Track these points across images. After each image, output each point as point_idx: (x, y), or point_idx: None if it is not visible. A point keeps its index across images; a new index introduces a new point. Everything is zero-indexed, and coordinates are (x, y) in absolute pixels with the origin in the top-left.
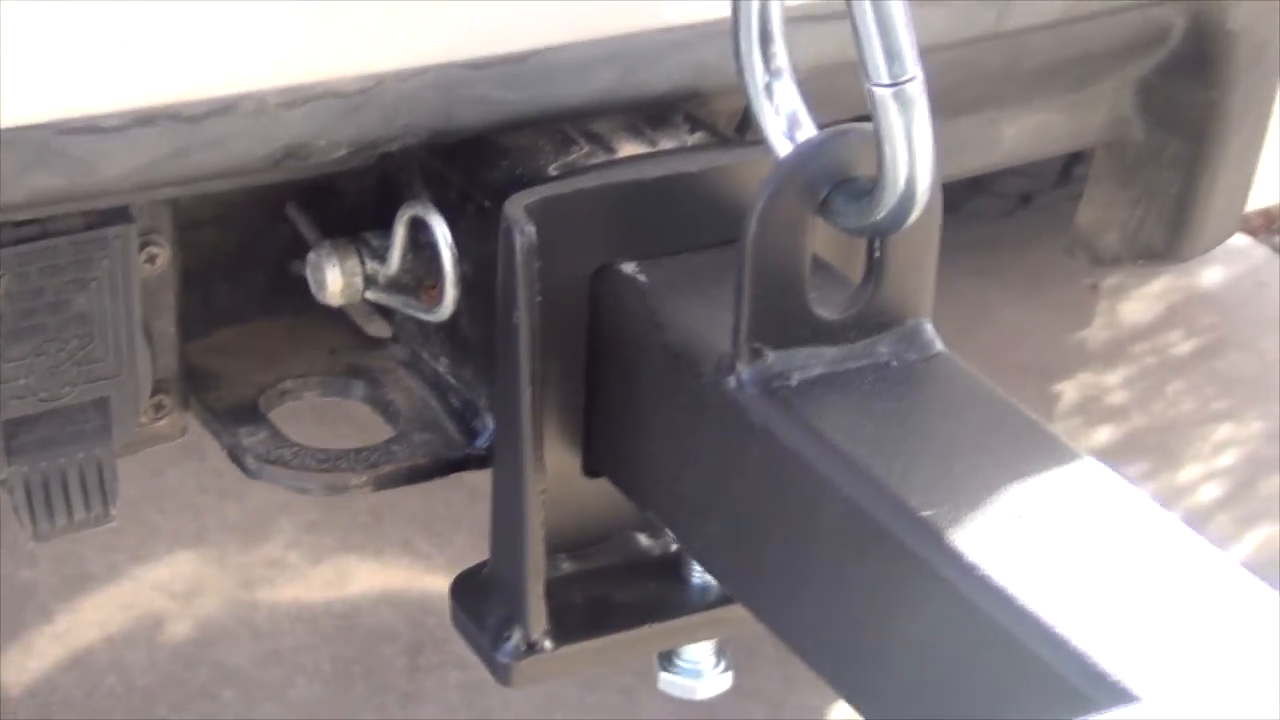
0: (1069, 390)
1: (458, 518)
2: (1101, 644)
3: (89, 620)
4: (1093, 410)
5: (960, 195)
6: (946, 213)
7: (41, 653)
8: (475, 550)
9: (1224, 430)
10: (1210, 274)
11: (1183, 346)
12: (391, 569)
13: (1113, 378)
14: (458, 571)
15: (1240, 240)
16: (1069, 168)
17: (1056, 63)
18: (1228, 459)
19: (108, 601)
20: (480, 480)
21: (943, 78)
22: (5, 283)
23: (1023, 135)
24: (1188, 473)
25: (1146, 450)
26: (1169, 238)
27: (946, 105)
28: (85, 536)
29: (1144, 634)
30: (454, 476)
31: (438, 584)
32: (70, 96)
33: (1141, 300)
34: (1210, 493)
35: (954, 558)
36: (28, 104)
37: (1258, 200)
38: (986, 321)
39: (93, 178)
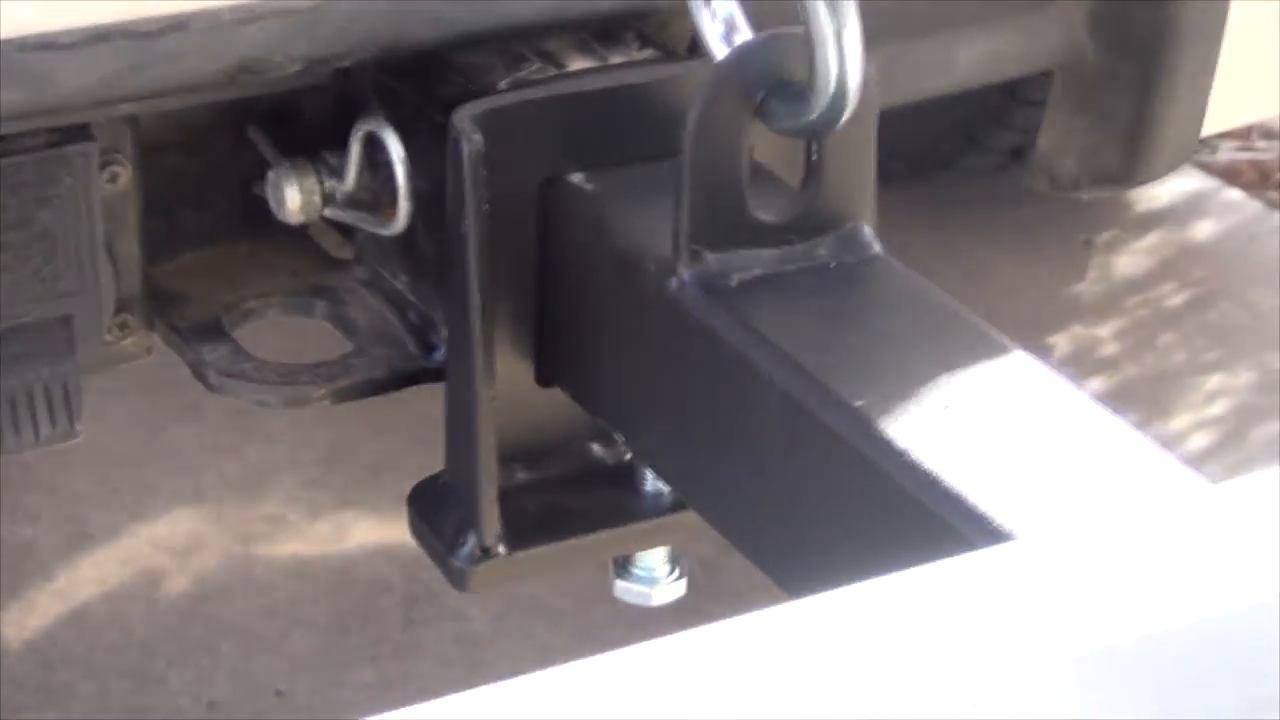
0: (1062, 342)
1: None
2: (992, 498)
3: (88, 577)
4: (1086, 361)
5: (952, 151)
6: (940, 169)
7: (42, 610)
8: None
9: (1215, 380)
10: (1203, 227)
11: (1174, 299)
12: (388, 524)
13: (1105, 330)
14: None
15: (1232, 194)
16: None
17: None
18: (1218, 408)
19: (107, 559)
20: None
21: None
22: None
23: (977, 58)
24: (1179, 422)
25: (1138, 400)
26: (1125, 162)
27: (900, 26)
28: (85, 494)
29: (1038, 492)
30: None
31: None
32: (27, 14)
33: (1134, 254)
34: (1201, 441)
35: (881, 443)
36: None
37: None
38: (981, 277)
39: (51, 93)
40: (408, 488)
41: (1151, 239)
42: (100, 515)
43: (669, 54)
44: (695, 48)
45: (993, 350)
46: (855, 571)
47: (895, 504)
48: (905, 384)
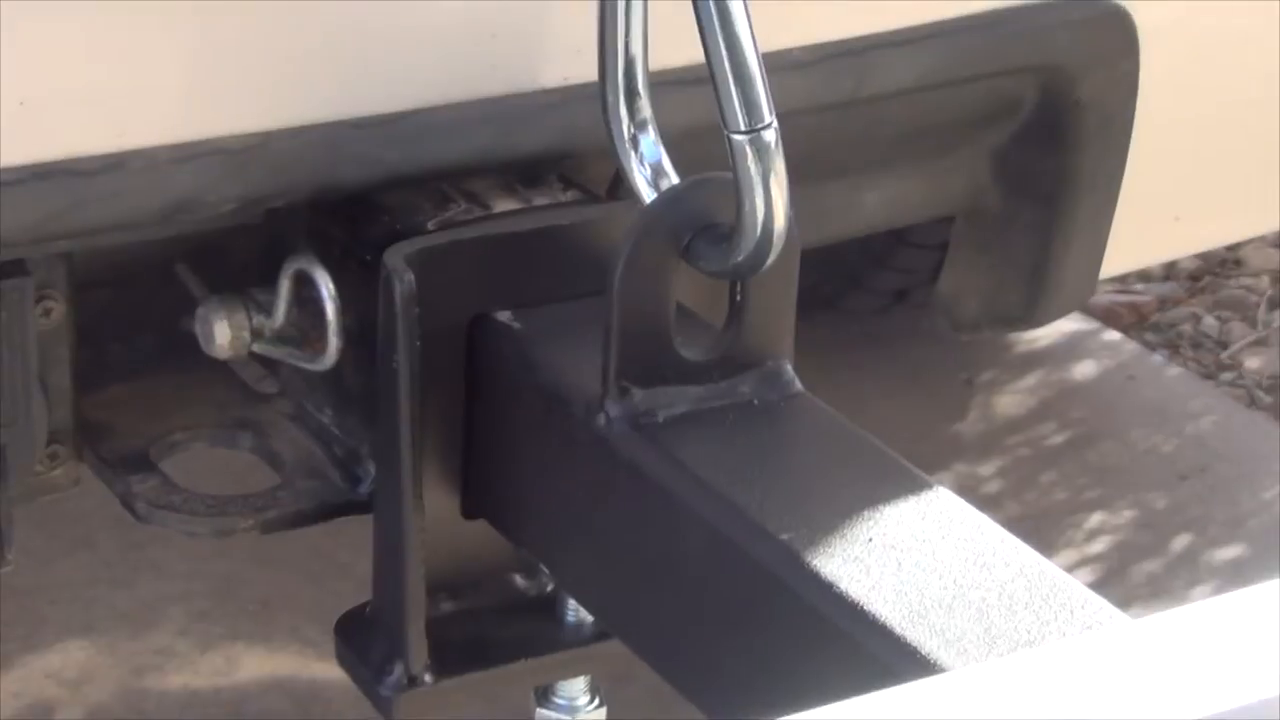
0: (945, 480)
1: (345, 607)
2: (918, 630)
3: None
4: (968, 499)
5: (836, 292)
6: (823, 309)
7: None
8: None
9: (1096, 518)
10: (1081, 368)
11: (1055, 438)
12: (280, 656)
13: (987, 468)
14: None
15: (1110, 335)
16: (941, 264)
17: (914, 130)
18: (1099, 546)
19: None
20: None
21: (805, 143)
22: None
23: (884, 202)
24: (1061, 559)
25: (1021, 537)
26: (1026, 303)
27: (810, 171)
28: None
29: (962, 624)
30: (342, 569)
31: (326, 671)
32: None
33: (1015, 394)
34: (1083, 578)
35: (808, 576)
36: None
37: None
38: (863, 414)
39: None
40: (297, 620)
41: (1031, 379)
42: None
43: (591, 195)
44: (615, 188)
45: (913, 485)
46: (784, 703)
47: (822, 636)
48: (829, 518)
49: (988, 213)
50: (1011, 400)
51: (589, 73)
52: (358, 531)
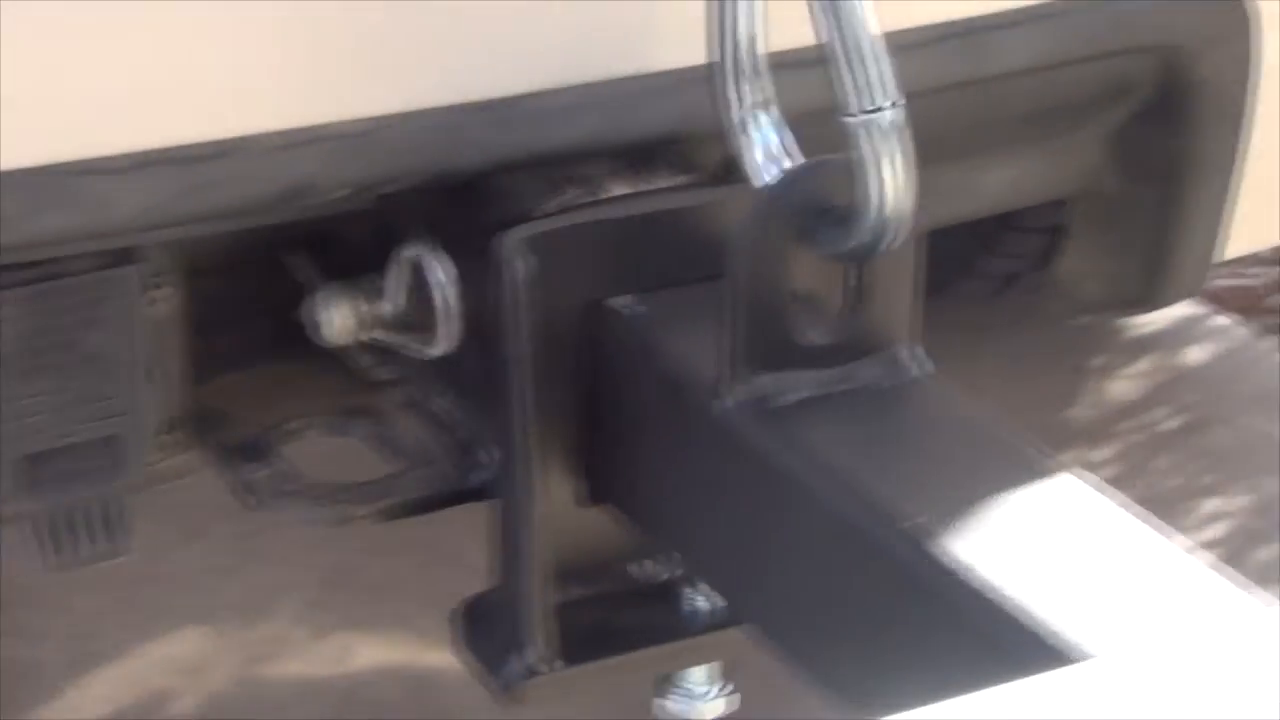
0: None
1: (457, 595)
2: (1049, 619)
3: (97, 696)
4: None
5: (944, 278)
6: (932, 295)
7: None
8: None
9: (1211, 504)
10: (1193, 353)
11: (1168, 424)
12: (393, 644)
13: (1099, 455)
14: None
15: (1222, 320)
16: (1050, 248)
17: (1032, 111)
18: (1216, 532)
19: (115, 678)
20: (481, 558)
21: (922, 124)
22: (18, 322)
23: (1001, 184)
24: (1177, 545)
25: None
26: (1146, 285)
27: (927, 153)
28: (92, 615)
29: (1094, 612)
30: (454, 557)
31: (438, 659)
32: (80, 139)
33: (1125, 380)
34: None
35: (933, 563)
36: (39, 146)
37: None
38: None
39: (102, 218)
40: (409, 609)
41: (1143, 364)
42: (108, 635)
43: (703, 178)
44: (728, 171)
45: (1039, 470)
46: (914, 692)
47: (951, 623)
48: (955, 504)
49: (1105, 195)
50: (1122, 386)
51: (704, 54)
52: (469, 519)
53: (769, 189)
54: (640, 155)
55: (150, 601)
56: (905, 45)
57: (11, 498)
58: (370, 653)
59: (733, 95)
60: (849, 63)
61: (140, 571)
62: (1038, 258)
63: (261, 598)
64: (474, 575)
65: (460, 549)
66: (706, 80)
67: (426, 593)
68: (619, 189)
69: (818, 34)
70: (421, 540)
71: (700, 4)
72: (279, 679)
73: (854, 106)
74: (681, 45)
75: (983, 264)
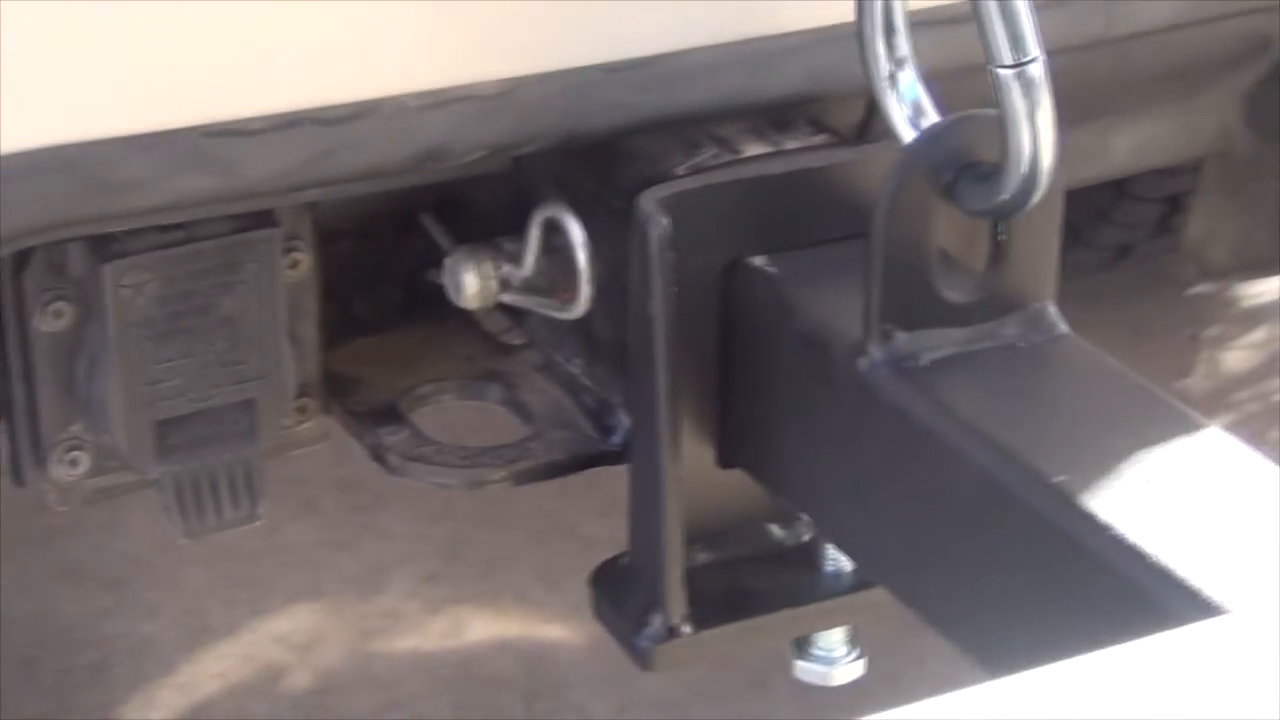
0: None
1: (571, 568)
2: (1199, 572)
3: (210, 672)
4: None
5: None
6: None
7: (164, 704)
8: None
9: None
10: None
11: None
12: (507, 618)
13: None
14: (572, 620)
15: None
16: (1166, 218)
17: (1163, 71)
18: None
19: (228, 653)
20: (595, 530)
21: (1056, 84)
22: (154, 286)
23: (1132, 145)
24: None
25: None
26: (1274, 247)
27: (1060, 113)
28: (204, 590)
29: (1244, 566)
30: (567, 530)
31: (553, 632)
32: (217, 101)
33: (1242, 349)
34: None
35: (1084, 518)
36: (176, 108)
37: None
38: None
39: (239, 180)
40: (523, 582)
41: (1259, 334)
42: (220, 611)
43: (840, 138)
44: (863, 130)
45: (1188, 426)
46: (1057, 648)
47: (1098, 578)
48: (1103, 460)
49: (1237, 157)
50: (1239, 356)
51: (839, 14)
52: (582, 492)
53: (914, 145)
54: (776, 115)
55: (263, 576)
56: (1040, 4)
57: (147, 463)
58: (484, 626)
59: (880, 50)
60: (1003, 12)
61: (253, 546)
62: (1153, 227)
63: (374, 572)
64: (588, 548)
65: (574, 522)
66: (841, 40)
67: (540, 566)
68: (755, 149)
69: None
70: (535, 513)
71: None
72: (392, 654)
73: (1007, 57)
74: (815, 4)
75: (1097, 233)
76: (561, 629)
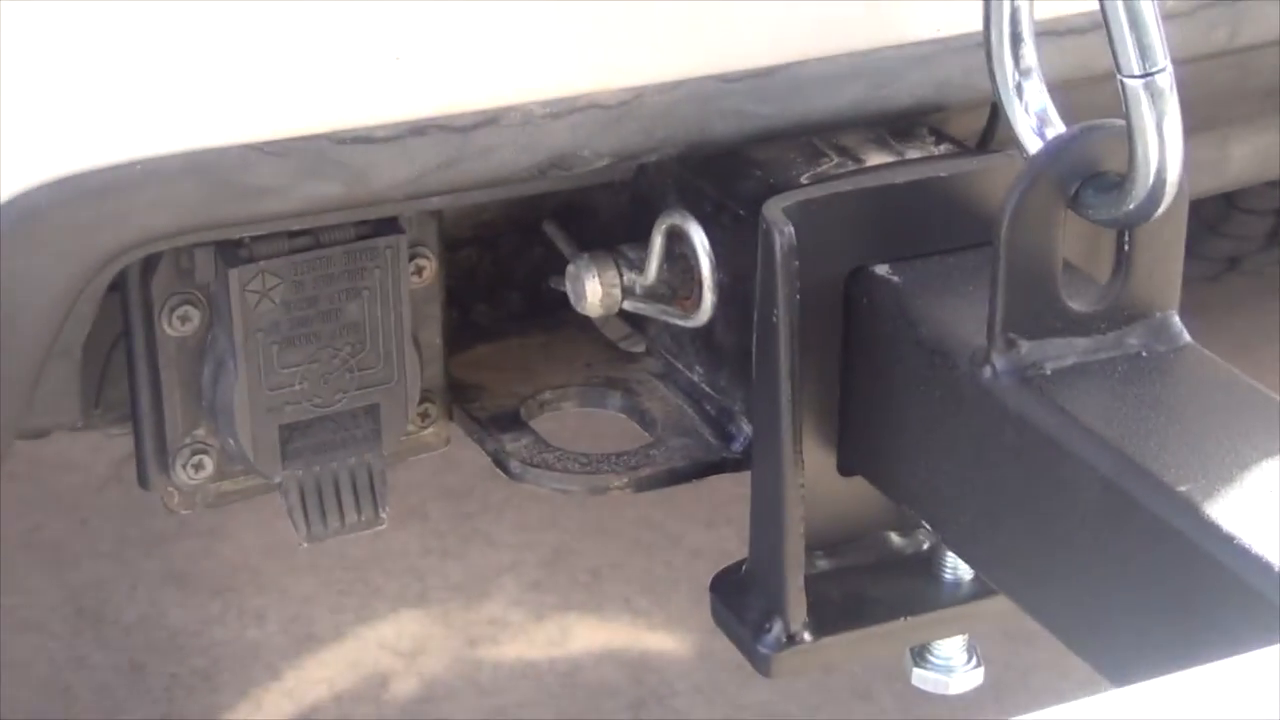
0: None
1: (676, 578)
2: None
3: (317, 678)
4: None
5: None
6: None
7: (271, 709)
8: (695, 608)
9: None
10: None
11: None
12: (612, 627)
13: None
14: (678, 629)
15: None
16: (1276, 230)
17: None
18: None
19: (335, 660)
20: (700, 540)
21: (1179, 94)
22: (281, 291)
23: (1251, 156)
24: None
25: None
26: None
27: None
28: (311, 597)
29: None
30: (673, 539)
31: (658, 642)
32: (346, 107)
33: None
34: None
35: (1210, 528)
36: (305, 114)
37: None
38: None
39: (367, 186)
40: (629, 591)
41: None
42: (327, 617)
43: (962, 147)
44: (985, 140)
45: None
46: (1180, 657)
47: (1224, 588)
48: (1229, 469)
49: None
50: None
51: (961, 23)
52: (687, 502)
53: (1040, 155)
54: (897, 125)
55: (369, 583)
56: (1165, 15)
57: (271, 467)
58: (589, 635)
59: (1007, 60)
60: (1132, 22)
61: (360, 553)
62: (1263, 239)
63: (480, 580)
64: (694, 558)
65: (679, 532)
66: (963, 50)
67: (645, 575)
68: (878, 158)
69: None
70: (640, 523)
71: None
72: (498, 661)
73: (1135, 67)
74: (937, 14)
75: (1207, 246)
76: (667, 638)
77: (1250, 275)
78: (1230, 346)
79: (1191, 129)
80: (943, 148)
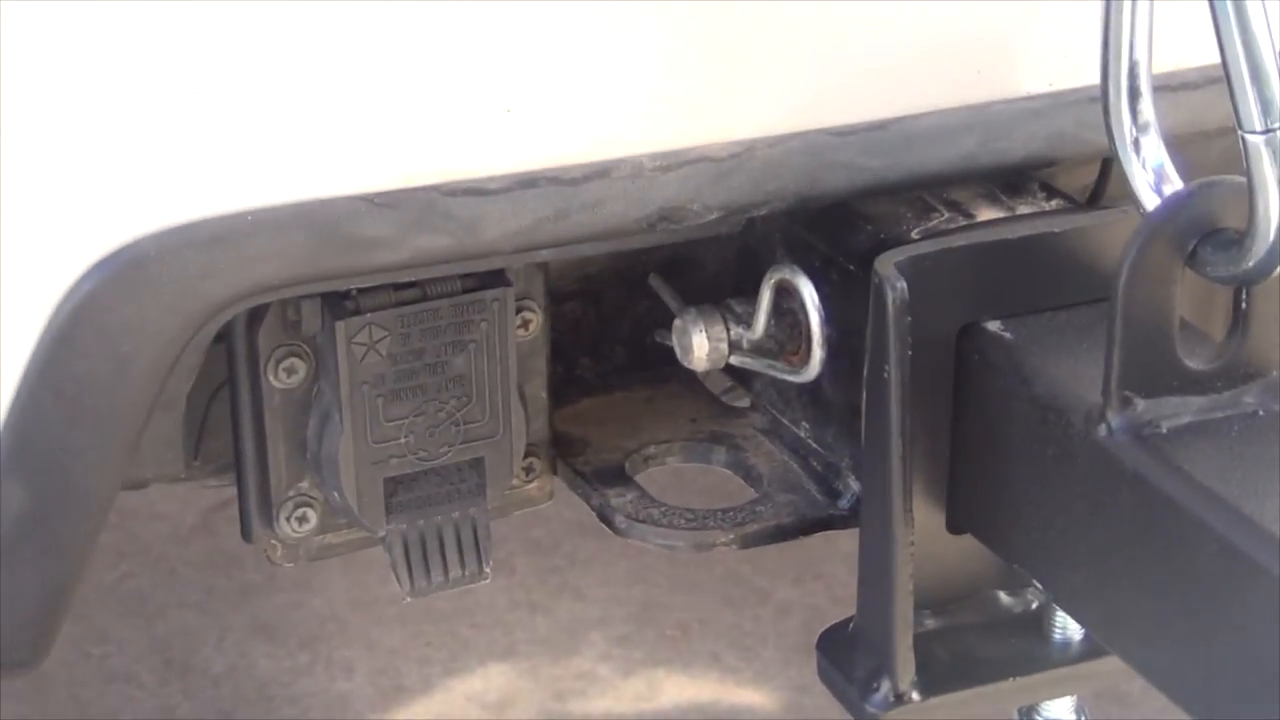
0: None
1: (765, 634)
2: None
3: None
4: None
5: None
6: None
7: None
8: (784, 665)
9: None
10: None
11: None
12: (700, 682)
13: None
14: (765, 686)
15: None
16: None
17: None
18: None
19: (422, 712)
20: (788, 596)
21: None
22: (388, 344)
23: None
24: None
25: None
26: None
27: None
28: (399, 649)
29: None
30: (760, 595)
31: (746, 698)
32: (456, 159)
33: None
34: None
35: None
36: (415, 166)
37: None
38: None
39: (476, 238)
40: (717, 647)
41: None
42: (414, 669)
43: (1074, 202)
44: (1096, 196)
45: None
46: None
47: None
48: None
49: None
50: None
51: (1075, 78)
52: (775, 559)
53: (1158, 212)
54: (1008, 179)
55: (457, 636)
56: None
57: (376, 520)
58: (678, 690)
59: (1125, 115)
60: (1254, 76)
61: (447, 606)
62: None
63: (568, 634)
64: (782, 614)
65: (767, 588)
66: (1075, 104)
67: (733, 631)
68: (989, 213)
69: (1221, 49)
70: (728, 578)
71: (1063, 29)
72: (586, 715)
73: (1257, 123)
74: (1050, 68)
75: None
76: (755, 694)
77: None
78: None
79: None
80: (1054, 203)
